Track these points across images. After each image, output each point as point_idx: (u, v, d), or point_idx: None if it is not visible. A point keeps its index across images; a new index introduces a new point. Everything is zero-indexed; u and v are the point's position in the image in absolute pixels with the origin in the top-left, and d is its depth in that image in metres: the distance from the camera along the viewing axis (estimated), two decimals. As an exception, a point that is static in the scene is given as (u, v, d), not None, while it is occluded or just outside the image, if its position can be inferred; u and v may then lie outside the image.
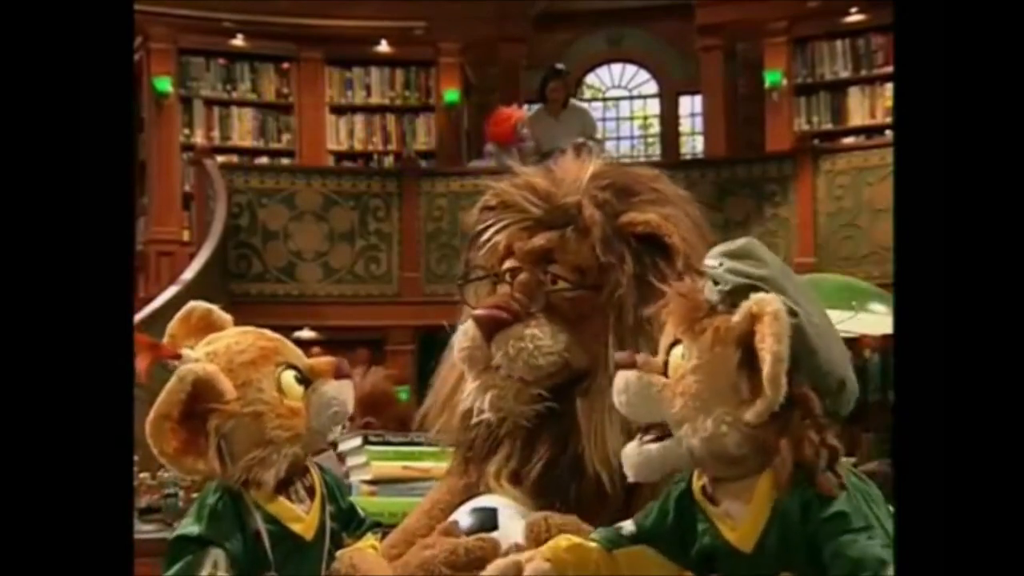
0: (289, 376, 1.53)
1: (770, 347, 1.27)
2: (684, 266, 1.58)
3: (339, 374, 1.57)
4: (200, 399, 1.45)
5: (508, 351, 1.56)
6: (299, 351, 1.60)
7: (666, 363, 1.36)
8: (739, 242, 1.40)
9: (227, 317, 1.60)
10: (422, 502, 1.66)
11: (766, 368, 1.26)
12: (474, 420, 1.62)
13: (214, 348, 1.52)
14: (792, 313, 1.30)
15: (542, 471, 1.57)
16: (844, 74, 8.06)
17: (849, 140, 7.93)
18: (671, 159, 9.66)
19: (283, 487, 1.53)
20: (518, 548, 1.40)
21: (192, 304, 1.60)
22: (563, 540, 1.38)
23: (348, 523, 1.59)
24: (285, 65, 8.32)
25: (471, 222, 1.72)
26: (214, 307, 1.59)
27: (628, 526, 1.41)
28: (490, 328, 1.57)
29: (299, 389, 1.53)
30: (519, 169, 1.75)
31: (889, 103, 7.86)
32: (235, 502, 1.48)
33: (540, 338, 1.57)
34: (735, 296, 1.34)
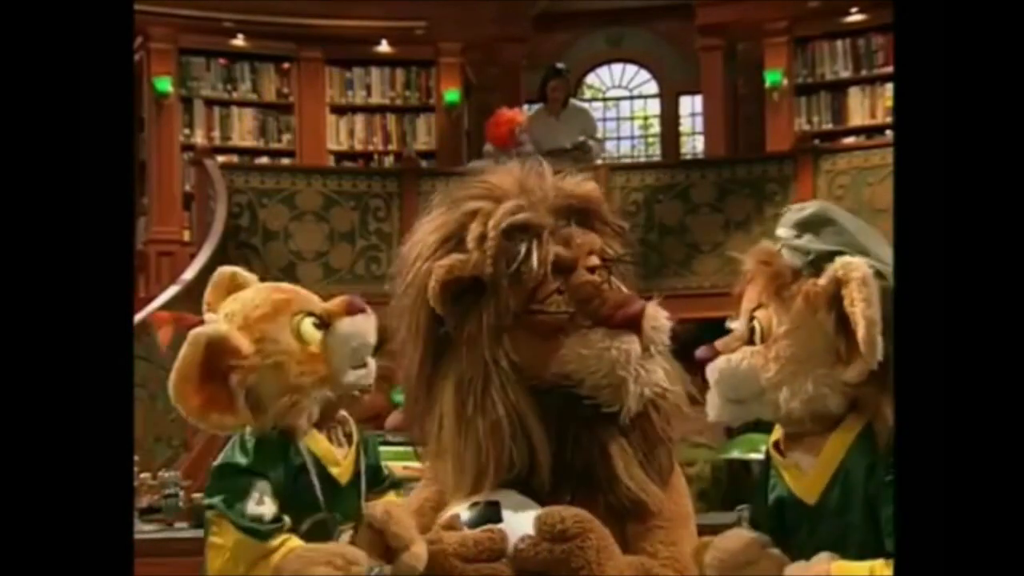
0: (308, 324, 1.59)
1: (862, 311, 1.29)
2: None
3: (352, 310, 1.61)
4: (218, 358, 1.50)
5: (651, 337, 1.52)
6: (315, 298, 1.65)
7: (751, 330, 1.38)
8: (810, 208, 1.41)
9: (251, 277, 1.66)
10: (409, 501, 1.66)
11: (860, 332, 1.29)
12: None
13: (231, 308, 1.59)
14: (879, 275, 1.31)
15: (542, 479, 1.53)
16: (844, 74, 8.05)
17: (849, 140, 7.92)
18: (671, 159, 9.65)
19: (323, 431, 1.58)
20: (530, 540, 1.39)
21: (220, 269, 1.67)
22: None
23: (372, 479, 1.63)
24: (285, 65, 8.31)
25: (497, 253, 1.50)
26: (238, 269, 1.66)
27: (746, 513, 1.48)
28: (637, 321, 1.50)
29: (318, 334, 1.58)
30: (488, 189, 1.59)
31: (889, 103, 7.85)
32: (279, 441, 1.52)
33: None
34: (817, 263, 1.35)
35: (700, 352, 1.43)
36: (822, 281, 1.34)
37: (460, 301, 1.50)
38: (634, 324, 1.49)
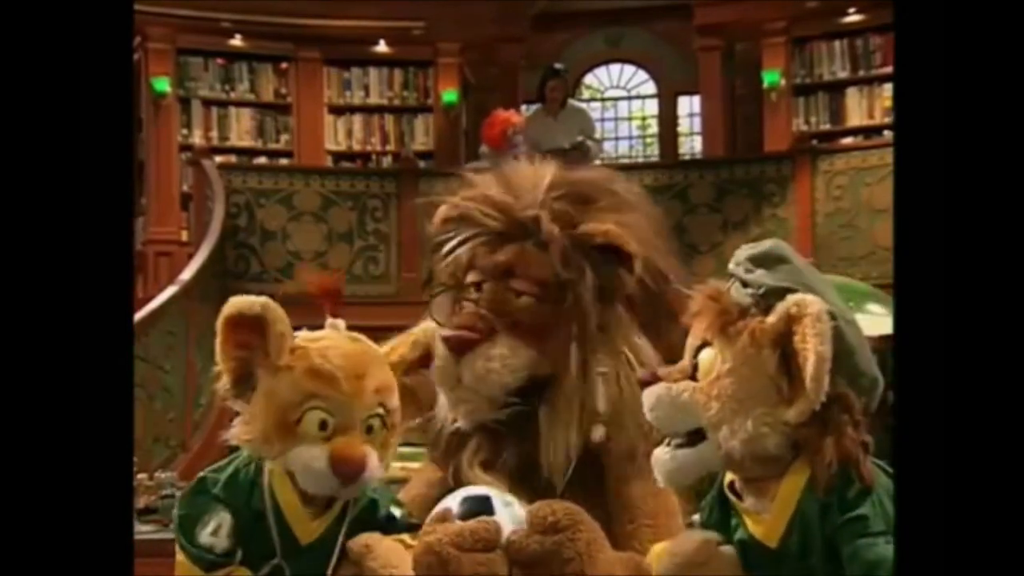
0: None
1: (814, 348, 1.28)
2: (643, 269, 1.65)
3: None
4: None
5: (476, 371, 1.62)
6: None
7: (694, 366, 1.37)
8: (765, 245, 1.41)
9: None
10: (399, 499, 1.68)
11: (810, 368, 1.28)
12: (447, 429, 1.68)
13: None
14: (831, 315, 1.31)
15: (512, 468, 1.62)
16: (842, 74, 8.05)
17: (847, 140, 7.92)
18: (669, 159, 9.65)
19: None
20: (522, 532, 1.41)
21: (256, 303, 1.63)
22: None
23: (387, 529, 1.59)
24: (283, 65, 8.30)
25: (432, 232, 1.76)
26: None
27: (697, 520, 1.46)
28: (459, 349, 1.62)
29: None
30: (475, 179, 1.78)
31: (887, 103, 7.86)
32: (256, 475, 1.50)
33: (507, 357, 1.62)
34: (768, 299, 1.34)
35: (642, 374, 1.43)
36: (771, 318, 1.34)
37: None
38: (454, 351, 1.62)
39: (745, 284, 1.38)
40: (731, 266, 1.41)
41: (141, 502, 3.82)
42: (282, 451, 1.51)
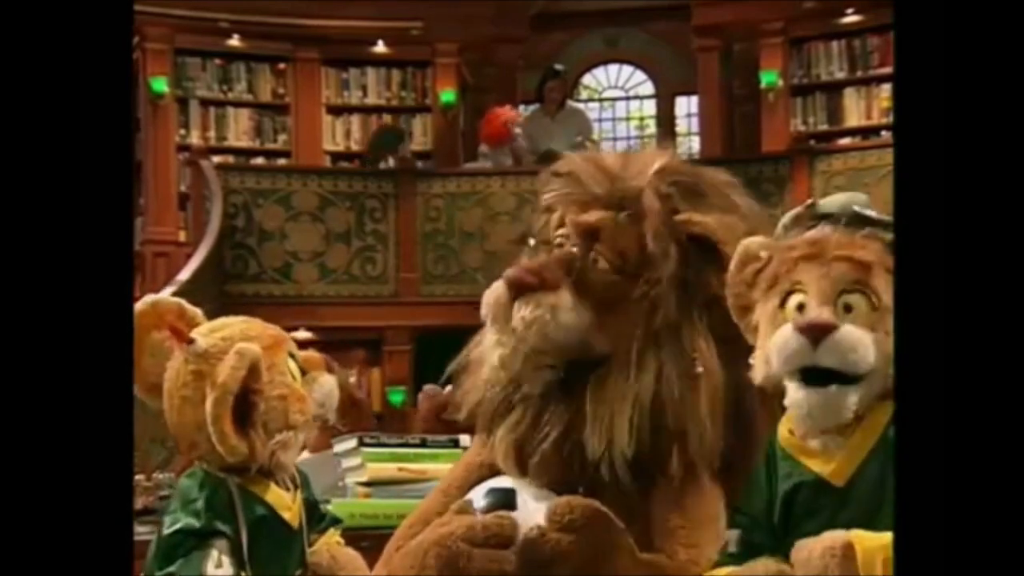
0: (293, 365, 1.57)
1: None
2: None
3: (330, 369, 1.62)
4: (248, 380, 1.48)
5: (525, 315, 1.55)
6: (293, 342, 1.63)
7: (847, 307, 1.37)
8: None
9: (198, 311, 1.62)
10: (441, 481, 1.67)
11: None
12: (492, 395, 1.62)
13: (227, 334, 1.54)
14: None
15: (546, 454, 1.54)
16: (840, 75, 8.06)
17: (845, 141, 7.93)
18: (667, 160, 9.64)
19: (270, 475, 1.55)
20: (539, 530, 1.38)
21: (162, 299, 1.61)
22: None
23: (311, 517, 1.60)
24: (281, 65, 8.29)
25: (540, 186, 1.74)
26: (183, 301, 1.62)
27: (732, 535, 1.41)
28: (517, 288, 1.56)
29: (300, 377, 1.56)
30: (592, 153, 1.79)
31: (885, 104, 7.87)
32: (228, 491, 1.49)
33: (560, 310, 1.55)
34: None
35: (803, 321, 1.36)
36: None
37: None
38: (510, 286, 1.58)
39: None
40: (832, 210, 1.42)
41: (139, 503, 3.81)
42: (309, 413, 1.56)
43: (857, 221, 1.40)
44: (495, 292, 1.60)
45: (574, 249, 1.62)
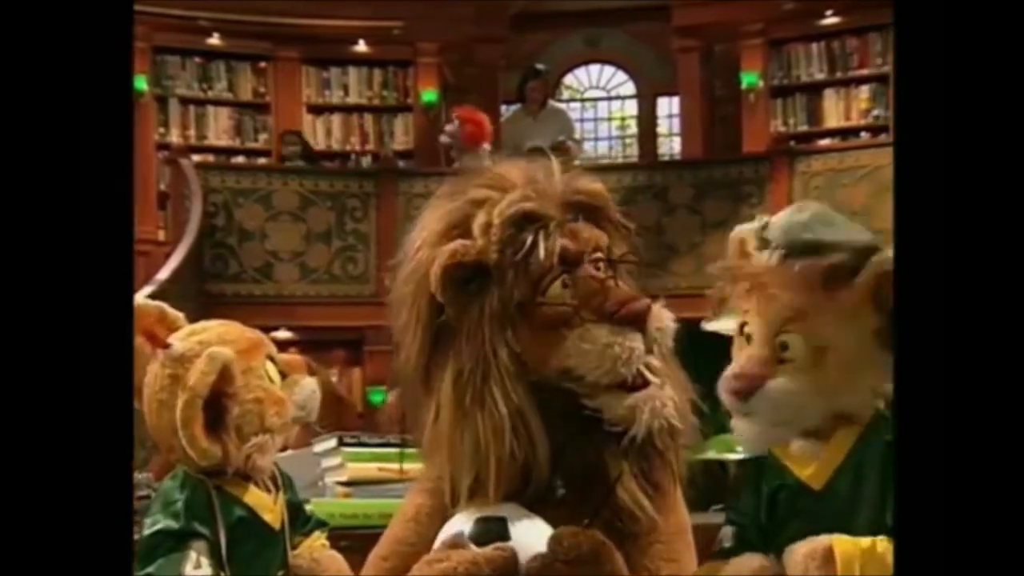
0: (272, 368, 1.56)
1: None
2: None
3: (311, 371, 1.61)
4: (219, 383, 1.47)
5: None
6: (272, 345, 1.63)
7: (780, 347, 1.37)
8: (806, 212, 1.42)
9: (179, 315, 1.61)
10: (403, 507, 1.61)
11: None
12: None
13: (204, 337, 1.54)
14: None
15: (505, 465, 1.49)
16: (820, 76, 8.11)
17: (824, 142, 7.98)
18: (648, 160, 9.68)
19: (248, 478, 1.54)
20: (541, 560, 1.36)
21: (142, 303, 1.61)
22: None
23: (295, 519, 1.60)
24: (262, 64, 8.27)
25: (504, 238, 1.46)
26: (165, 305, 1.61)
27: (726, 531, 1.43)
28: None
29: (279, 380, 1.56)
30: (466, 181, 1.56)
31: (864, 105, 7.94)
32: (207, 493, 1.49)
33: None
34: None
35: (733, 381, 1.38)
36: (861, 279, 1.34)
37: (463, 289, 1.45)
38: (638, 321, 1.45)
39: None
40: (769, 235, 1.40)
41: (119, 503, 3.78)
42: (287, 416, 1.58)
43: (800, 250, 1.39)
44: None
45: (603, 266, 1.50)
